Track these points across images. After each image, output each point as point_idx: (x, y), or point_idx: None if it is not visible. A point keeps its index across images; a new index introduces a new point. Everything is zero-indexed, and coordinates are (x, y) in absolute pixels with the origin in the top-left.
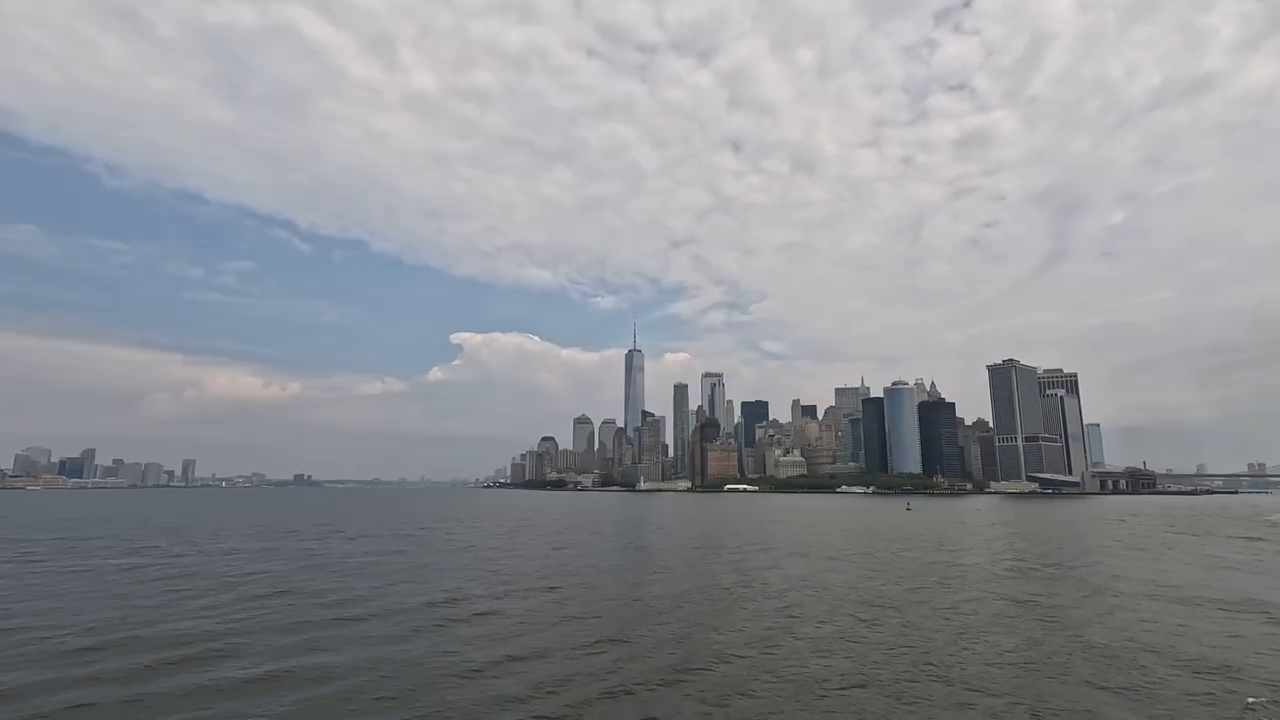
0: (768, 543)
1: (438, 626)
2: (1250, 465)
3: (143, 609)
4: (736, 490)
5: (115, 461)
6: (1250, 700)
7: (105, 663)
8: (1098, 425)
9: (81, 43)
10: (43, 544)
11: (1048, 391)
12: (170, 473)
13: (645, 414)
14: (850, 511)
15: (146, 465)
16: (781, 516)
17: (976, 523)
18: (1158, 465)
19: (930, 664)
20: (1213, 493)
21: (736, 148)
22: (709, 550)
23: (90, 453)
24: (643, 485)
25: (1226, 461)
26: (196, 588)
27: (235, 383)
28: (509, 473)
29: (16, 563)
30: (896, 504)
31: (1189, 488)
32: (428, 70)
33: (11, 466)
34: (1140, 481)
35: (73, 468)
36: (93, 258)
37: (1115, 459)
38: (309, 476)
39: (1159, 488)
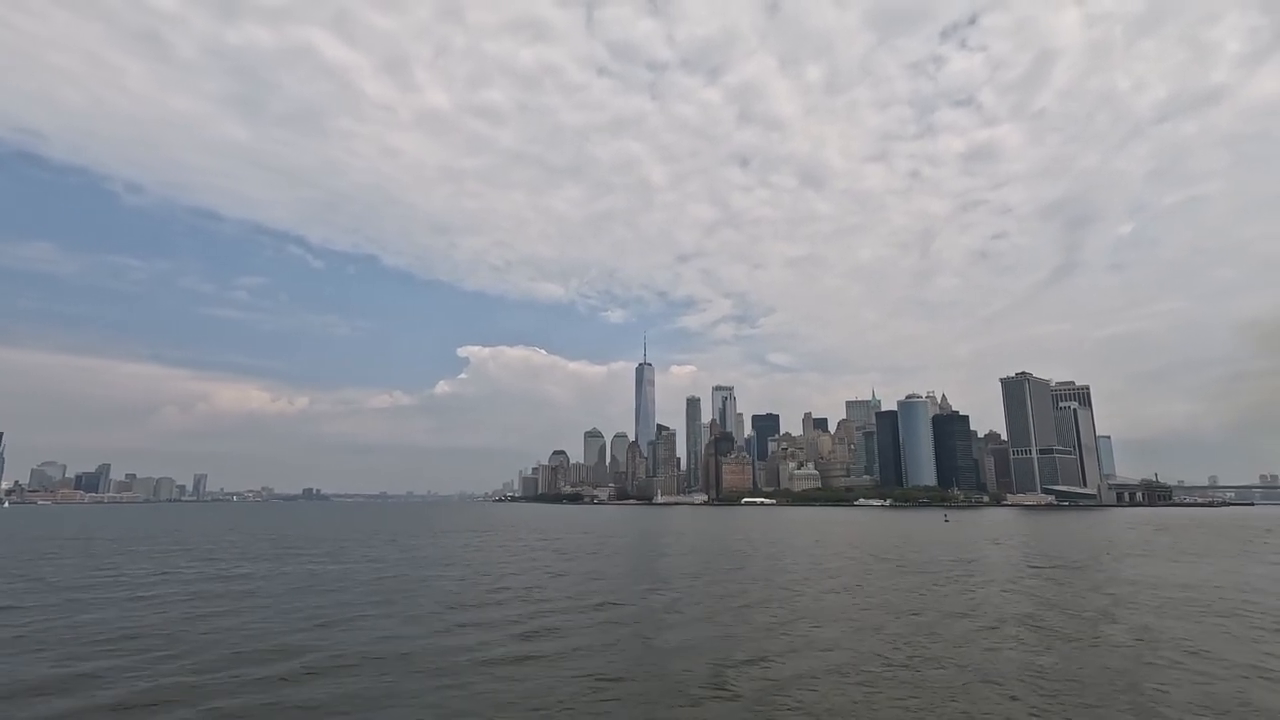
0: (845, 554)
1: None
2: (1262, 477)
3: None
4: (754, 503)
5: (128, 476)
6: None
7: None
8: (1108, 437)
9: (105, 66)
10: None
11: (1060, 404)
12: (181, 487)
13: (660, 427)
14: (888, 523)
15: (159, 479)
16: (822, 530)
17: (1019, 533)
18: (1168, 477)
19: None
20: (1228, 504)
21: (745, 163)
22: (792, 566)
23: (105, 467)
24: (660, 499)
25: (1238, 473)
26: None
27: (244, 397)
28: (516, 486)
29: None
30: (925, 516)
31: (1205, 499)
32: (442, 89)
33: (28, 481)
34: (1156, 494)
35: (88, 482)
36: (109, 274)
37: (1126, 471)
38: (318, 490)
39: (1174, 500)
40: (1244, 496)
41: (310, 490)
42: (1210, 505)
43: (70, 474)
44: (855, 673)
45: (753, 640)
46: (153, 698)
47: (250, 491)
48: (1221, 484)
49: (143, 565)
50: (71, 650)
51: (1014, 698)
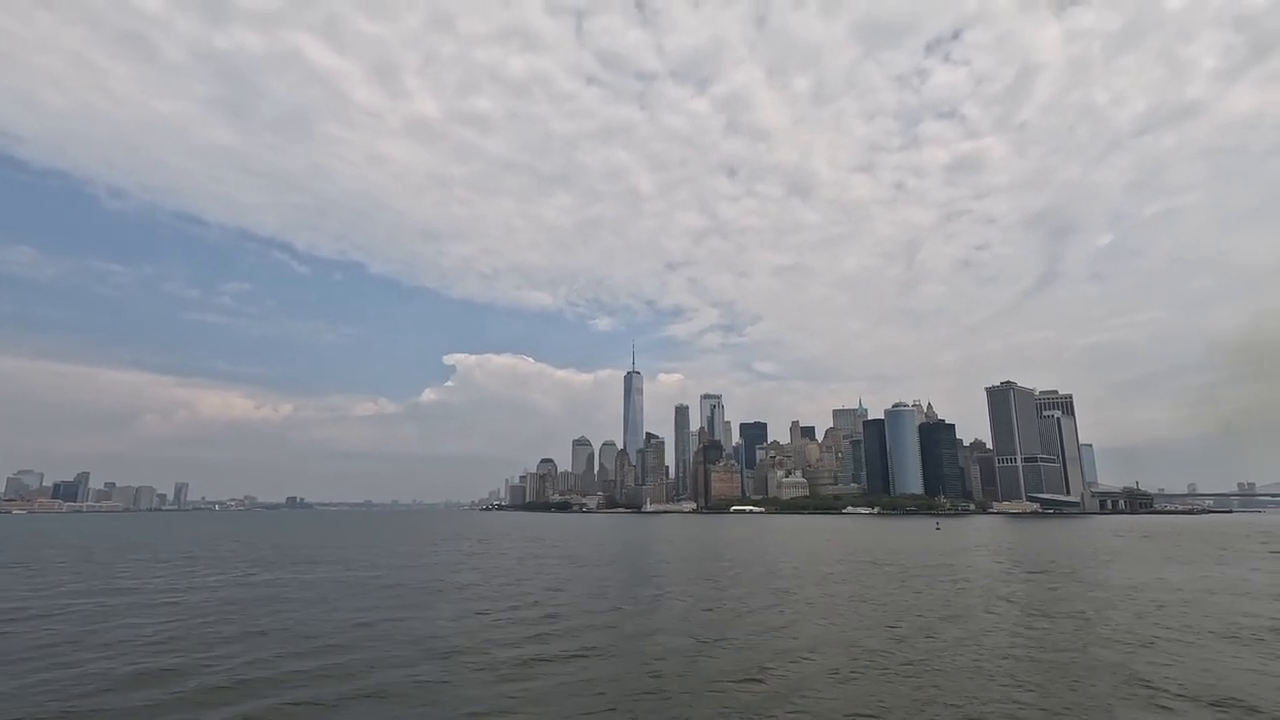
0: (844, 560)
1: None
2: (1240, 485)
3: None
4: (743, 511)
5: (108, 484)
6: None
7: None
8: (1090, 445)
9: (89, 68)
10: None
11: (1044, 413)
12: (163, 496)
13: (649, 435)
14: (880, 531)
15: (139, 488)
16: (815, 538)
17: (1009, 540)
18: (1149, 485)
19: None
20: (1208, 512)
21: (732, 172)
22: (792, 572)
23: (84, 476)
24: (648, 507)
25: (1216, 481)
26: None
27: (227, 404)
28: (504, 494)
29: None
30: (915, 524)
31: (1185, 507)
32: (431, 96)
33: (4, 489)
34: (1138, 501)
35: (67, 491)
36: (91, 279)
37: (1108, 479)
38: (301, 499)
39: (1155, 507)
40: (1222, 504)
41: (294, 499)
42: (1190, 513)
43: (48, 482)
44: (876, 666)
45: (771, 639)
46: (229, 693)
47: (233, 500)
48: (1201, 492)
49: (157, 574)
50: (130, 650)
51: (1024, 690)
